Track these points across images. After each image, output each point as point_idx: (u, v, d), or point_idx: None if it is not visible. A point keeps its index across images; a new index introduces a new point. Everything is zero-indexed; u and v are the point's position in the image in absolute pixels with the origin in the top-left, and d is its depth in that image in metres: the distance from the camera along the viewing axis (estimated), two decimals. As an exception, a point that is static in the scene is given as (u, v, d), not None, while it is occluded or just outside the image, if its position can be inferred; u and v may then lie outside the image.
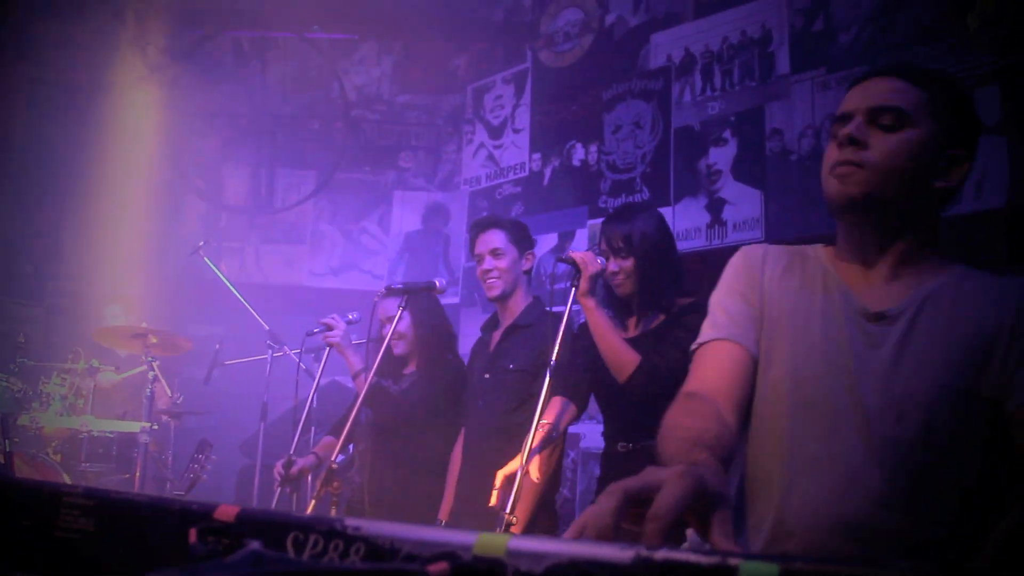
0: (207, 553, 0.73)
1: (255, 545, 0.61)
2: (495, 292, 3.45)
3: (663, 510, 0.83)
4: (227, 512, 0.78)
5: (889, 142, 1.41)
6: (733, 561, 0.52)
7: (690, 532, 0.96)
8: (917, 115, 1.42)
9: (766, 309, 1.54)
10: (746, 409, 1.48)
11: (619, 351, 2.78)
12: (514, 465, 2.58)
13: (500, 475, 2.70)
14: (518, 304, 3.48)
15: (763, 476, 1.50)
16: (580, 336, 3.10)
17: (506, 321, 3.50)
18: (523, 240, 3.52)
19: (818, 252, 1.59)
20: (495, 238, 3.45)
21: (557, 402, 2.95)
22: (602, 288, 2.97)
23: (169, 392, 5.06)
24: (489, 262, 3.43)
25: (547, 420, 2.82)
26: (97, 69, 6.42)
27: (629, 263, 2.89)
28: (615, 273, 2.91)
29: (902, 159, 1.41)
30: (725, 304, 1.57)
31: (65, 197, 6.24)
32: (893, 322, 1.43)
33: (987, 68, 3.83)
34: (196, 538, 0.75)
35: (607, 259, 2.90)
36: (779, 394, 1.47)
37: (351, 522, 0.69)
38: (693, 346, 1.56)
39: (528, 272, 3.54)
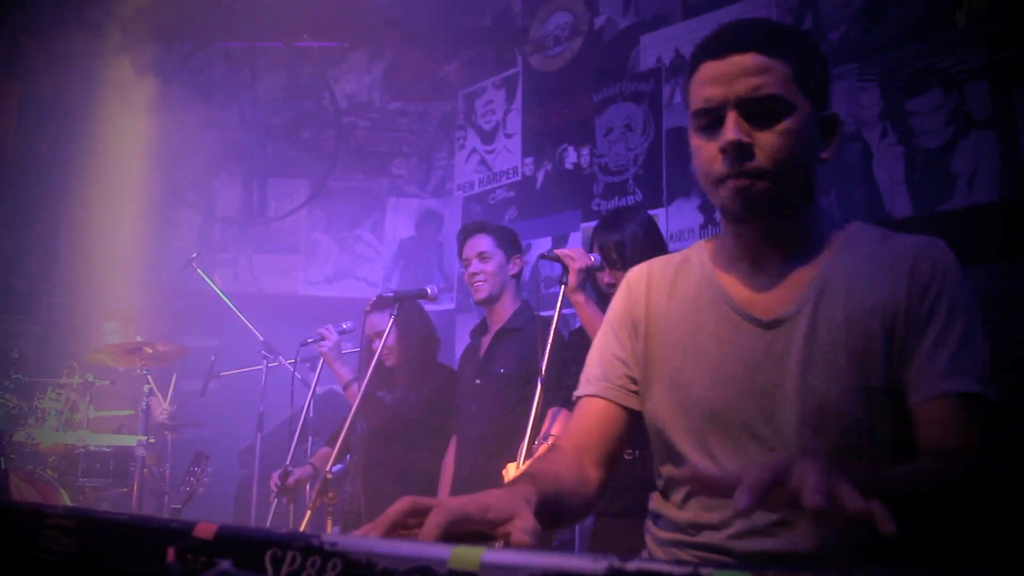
0: (183, 572, 0.73)
1: (225, 564, 0.61)
2: (482, 295, 3.49)
3: (424, 534, 0.97)
4: (206, 529, 0.77)
5: (773, 139, 1.32)
6: (705, 570, 0.52)
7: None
8: (791, 95, 1.33)
9: (654, 336, 1.51)
10: (612, 457, 1.50)
11: None
12: (512, 474, 2.56)
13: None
14: (506, 308, 3.51)
15: (668, 493, 1.50)
16: (574, 342, 3.09)
17: (495, 326, 3.51)
18: (510, 245, 3.56)
19: (701, 256, 1.54)
20: (482, 242, 3.50)
21: (563, 414, 2.93)
22: (592, 289, 2.95)
23: (165, 404, 5.05)
24: (476, 265, 3.48)
25: (554, 434, 2.80)
26: (87, 84, 6.42)
27: (625, 273, 2.87)
28: (611, 285, 2.86)
29: (791, 152, 1.33)
30: (601, 354, 1.57)
31: (57, 212, 6.24)
32: (792, 327, 1.37)
33: (977, 63, 3.83)
34: (174, 557, 0.75)
35: (603, 269, 2.88)
36: (686, 421, 1.43)
37: (328, 538, 0.69)
38: (573, 396, 1.59)
39: (516, 276, 3.56)
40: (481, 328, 3.65)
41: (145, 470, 4.46)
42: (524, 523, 1.05)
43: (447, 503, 1.02)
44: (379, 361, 3.27)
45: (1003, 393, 1.34)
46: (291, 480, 3.36)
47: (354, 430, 3.39)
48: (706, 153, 1.37)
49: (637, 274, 1.61)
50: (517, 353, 3.36)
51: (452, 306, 6.03)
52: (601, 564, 0.54)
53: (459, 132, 6.51)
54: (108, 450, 4.56)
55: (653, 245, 2.91)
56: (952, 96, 3.91)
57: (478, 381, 3.47)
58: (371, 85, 6.81)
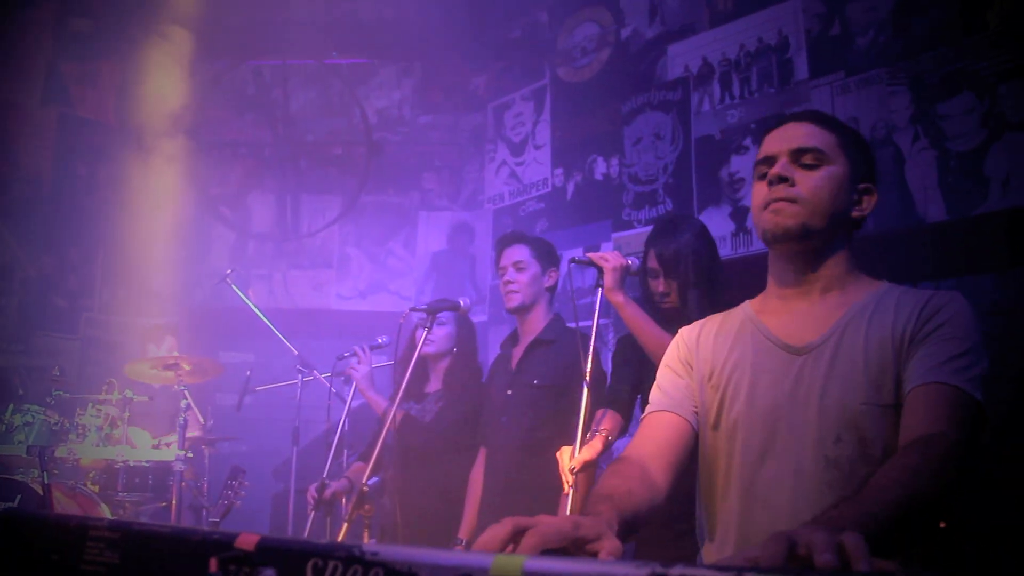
0: (227, 583, 0.73)
1: (269, 573, 0.61)
2: (514, 303, 3.47)
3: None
4: (248, 540, 0.78)
5: (813, 178, 1.61)
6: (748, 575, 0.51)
7: None
8: (832, 154, 1.63)
9: (704, 372, 1.71)
10: (679, 468, 1.62)
11: (663, 338, 2.62)
12: (567, 458, 2.52)
13: (570, 461, 2.61)
14: (539, 320, 3.49)
15: (721, 514, 1.64)
16: (622, 349, 3.06)
17: (527, 337, 3.49)
18: (547, 257, 3.54)
19: (744, 308, 1.78)
20: (518, 252, 3.49)
21: (610, 414, 2.90)
22: (630, 287, 2.91)
23: (202, 419, 5.09)
24: (511, 274, 3.47)
25: (606, 427, 2.76)
26: (122, 105, 6.52)
27: (680, 282, 2.82)
28: (665, 294, 2.84)
29: (825, 192, 1.61)
30: (660, 382, 1.76)
31: (96, 231, 6.33)
32: (820, 352, 1.58)
33: (1010, 65, 3.78)
34: (216, 567, 0.75)
35: (658, 277, 2.85)
36: (726, 439, 1.63)
37: (369, 548, 0.69)
38: (640, 416, 1.76)
39: (551, 289, 3.54)
40: (512, 339, 3.63)
41: (183, 484, 4.50)
42: (611, 546, 1.11)
43: (543, 524, 1.06)
44: (414, 367, 3.26)
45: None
46: (328, 493, 3.36)
47: (387, 446, 3.39)
48: (759, 192, 1.66)
49: (689, 330, 1.83)
50: (549, 365, 3.34)
51: (484, 318, 6.04)
52: (644, 571, 0.54)
53: (489, 145, 6.53)
54: (147, 465, 4.60)
55: (708, 254, 2.88)
56: (984, 98, 3.86)
57: (509, 392, 3.45)
58: (401, 100, 6.85)
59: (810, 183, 1.61)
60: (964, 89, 3.93)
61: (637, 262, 2.82)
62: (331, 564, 0.70)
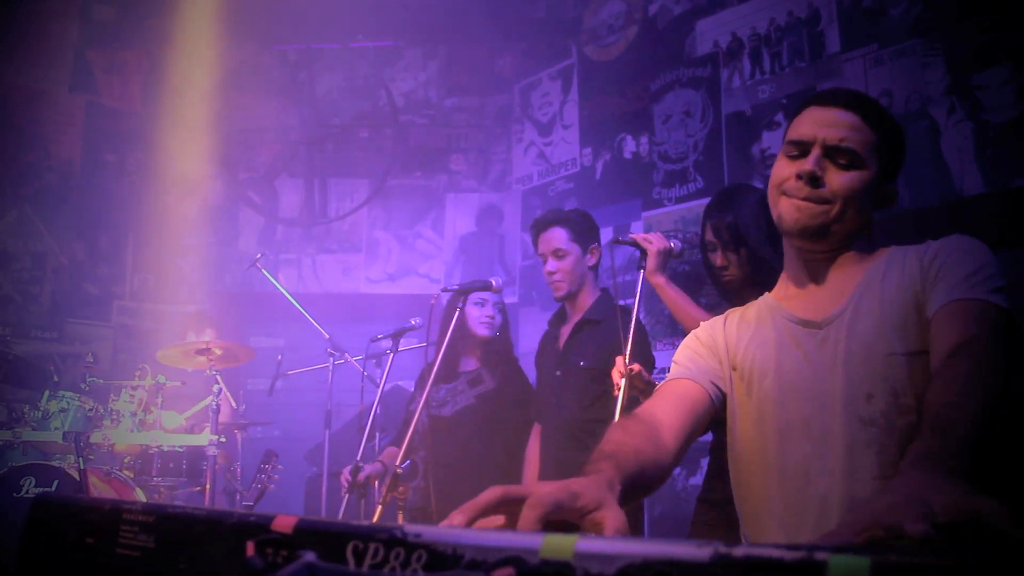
0: (264, 566, 0.71)
1: (309, 556, 0.59)
2: (561, 293, 3.41)
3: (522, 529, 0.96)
4: (285, 523, 0.76)
5: (843, 180, 1.56)
6: (821, 556, 0.48)
7: None
8: (868, 158, 1.57)
9: (731, 353, 1.69)
10: (690, 433, 1.56)
11: (703, 319, 2.63)
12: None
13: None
14: (586, 300, 3.43)
15: (762, 499, 1.60)
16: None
17: (575, 316, 3.44)
18: (586, 234, 3.44)
19: (764, 298, 1.75)
20: (556, 236, 3.39)
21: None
22: (670, 267, 2.88)
23: (234, 404, 5.12)
24: (552, 264, 3.38)
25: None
26: (149, 92, 6.55)
27: (739, 254, 2.75)
28: (724, 267, 2.78)
29: (853, 196, 1.57)
30: (678, 358, 1.73)
31: (125, 219, 6.37)
32: (840, 320, 1.56)
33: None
34: (253, 551, 0.73)
35: (716, 250, 2.80)
36: (756, 422, 1.61)
37: (412, 529, 0.66)
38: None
39: (595, 267, 3.46)
40: (560, 317, 3.57)
41: (217, 468, 4.53)
42: (614, 518, 1.05)
43: (539, 495, 1.00)
44: (449, 349, 3.24)
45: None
46: (362, 476, 3.34)
47: (418, 429, 3.37)
48: (785, 172, 1.61)
49: (711, 322, 1.80)
50: (597, 345, 3.28)
51: (515, 300, 6.02)
52: (706, 551, 0.51)
53: (516, 125, 6.49)
54: (181, 450, 4.63)
55: (767, 223, 2.80)
56: (1022, 68, 3.77)
57: (558, 373, 3.41)
58: (427, 82, 6.82)
59: (839, 184, 1.56)
60: (1001, 59, 3.83)
61: (679, 244, 2.78)
62: (372, 546, 0.67)
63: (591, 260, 3.43)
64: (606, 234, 5.49)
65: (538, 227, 3.48)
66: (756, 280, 2.65)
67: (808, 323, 1.60)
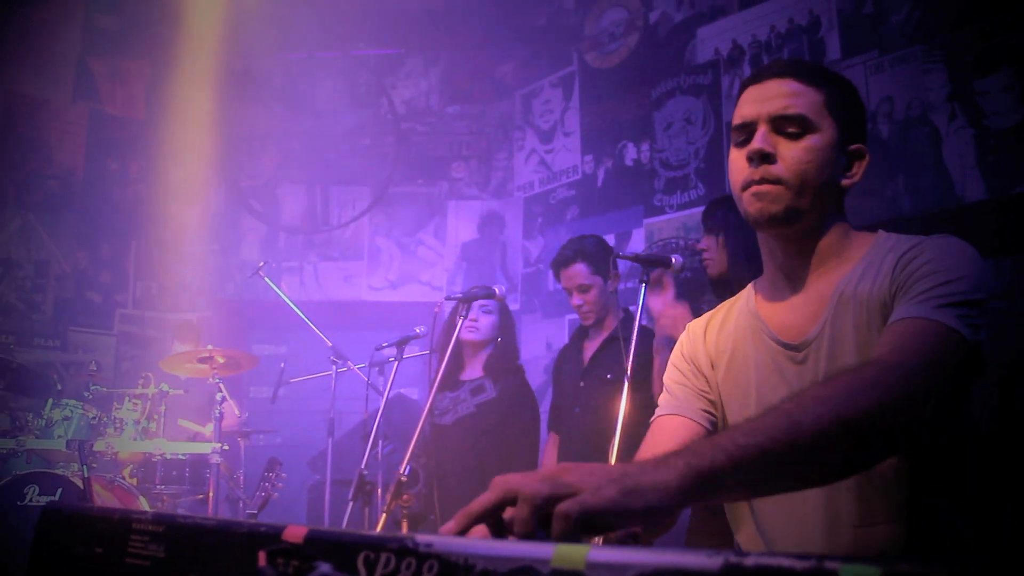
0: (277, 576, 0.71)
1: (325, 568, 0.59)
2: (590, 322, 3.61)
3: (519, 527, 0.89)
4: (295, 533, 0.76)
5: (796, 151, 1.44)
6: (831, 565, 0.48)
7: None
8: (818, 118, 1.46)
9: (717, 369, 1.60)
10: None
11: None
12: None
13: None
14: (612, 320, 3.61)
15: (745, 526, 1.55)
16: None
17: (602, 333, 3.60)
18: (605, 263, 3.60)
19: (749, 291, 1.64)
20: (578, 272, 3.56)
21: None
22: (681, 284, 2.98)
23: (237, 412, 5.12)
24: (578, 298, 3.56)
25: None
26: (151, 100, 6.56)
27: (717, 239, 2.89)
28: (704, 250, 2.92)
29: (811, 166, 1.44)
30: (667, 383, 1.65)
31: (128, 227, 6.38)
32: (817, 346, 1.45)
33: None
34: (265, 561, 0.74)
35: (701, 236, 2.96)
36: None
37: (423, 539, 0.67)
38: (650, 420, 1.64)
39: (615, 290, 3.63)
40: (582, 333, 3.73)
41: (220, 477, 4.53)
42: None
43: (530, 488, 0.94)
44: (452, 356, 3.26)
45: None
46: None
47: (423, 434, 3.39)
48: (737, 164, 1.50)
49: (697, 323, 1.71)
50: (623, 360, 3.42)
51: (516, 307, 6.02)
52: (716, 561, 0.52)
53: (517, 133, 6.50)
54: (184, 458, 4.63)
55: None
56: (1023, 74, 3.78)
57: (582, 384, 3.56)
58: (428, 90, 6.84)
59: (792, 157, 1.44)
60: (1002, 65, 3.84)
61: (680, 260, 2.83)
62: (383, 556, 0.68)
63: (611, 287, 3.60)
64: (607, 241, 5.51)
65: (559, 265, 3.64)
66: (735, 269, 2.81)
67: (786, 346, 1.49)
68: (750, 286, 1.66)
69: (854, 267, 1.47)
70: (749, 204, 1.47)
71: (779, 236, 1.52)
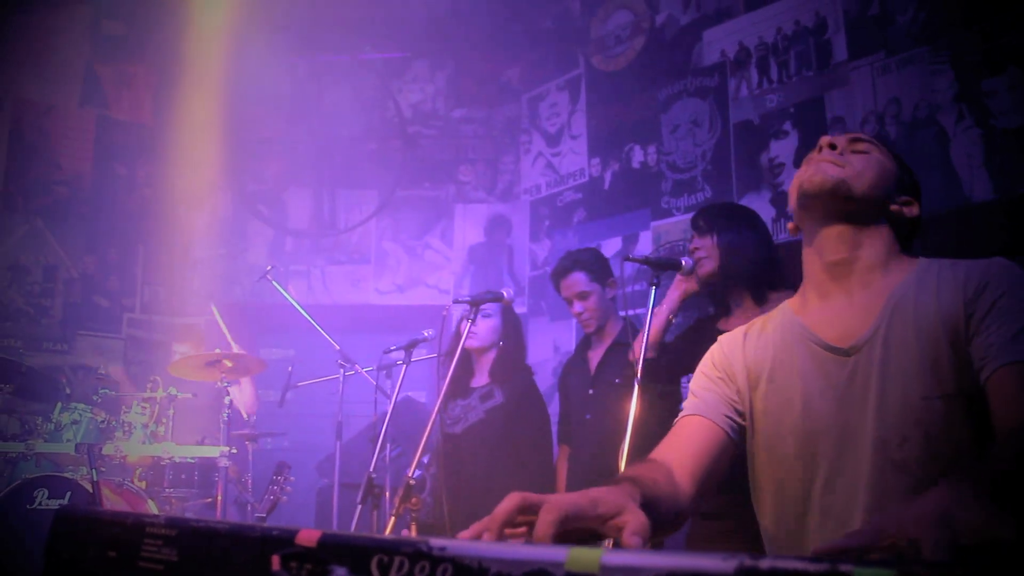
0: (291, 580, 0.72)
1: (340, 572, 0.59)
2: (591, 328, 3.70)
3: (539, 534, 0.96)
4: (309, 537, 0.76)
5: (863, 157, 1.59)
6: (846, 568, 0.48)
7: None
8: (881, 151, 1.62)
9: (751, 375, 1.63)
10: (704, 474, 1.51)
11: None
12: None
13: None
14: (613, 327, 3.69)
15: (789, 535, 1.54)
16: (674, 345, 3.12)
17: (606, 341, 3.67)
18: (602, 271, 3.71)
19: (784, 309, 1.68)
20: (577, 281, 3.65)
21: None
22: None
23: (245, 415, 5.13)
24: (578, 306, 3.66)
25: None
26: (158, 105, 6.58)
27: (712, 239, 2.92)
28: (696, 249, 2.94)
29: (873, 169, 1.57)
30: (693, 387, 1.68)
31: (135, 231, 6.40)
32: (870, 350, 1.48)
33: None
34: (279, 565, 0.74)
35: (692, 238, 2.99)
36: (782, 457, 1.54)
37: (437, 543, 0.67)
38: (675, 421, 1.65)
39: (614, 297, 3.74)
40: (585, 343, 3.80)
41: (228, 479, 4.54)
42: (634, 522, 1.04)
43: (557, 499, 1.00)
44: (460, 362, 3.26)
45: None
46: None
47: (429, 448, 3.43)
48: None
49: (732, 335, 1.73)
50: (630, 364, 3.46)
51: (524, 310, 6.02)
52: (731, 564, 0.52)
53: (524, 136, 6.51)
54: (192, 461, 4.65)
55: (744, 217, 3.01)
56: (1030, 74, 3.77)
57: (592, 391, 3.61)
58: (435, 93, 6.85)
59: (860, 159, 1.58)
60: (1009, 65, 3.83)
61: (691, 261, 2.87)
62: (397, 560, 0.68)
63: (611, 293, 3.72)
64: (614, 244, 5.51)
65: (557, 275, 3.73)
66: (728, 272, 2.86)
67: (835, 349, 1.52)
68: (785, 303, 1.70)
69: (905, 278, 1.52)
70: (804, 173, 1.59)
71: (826, 218, 1.58)
